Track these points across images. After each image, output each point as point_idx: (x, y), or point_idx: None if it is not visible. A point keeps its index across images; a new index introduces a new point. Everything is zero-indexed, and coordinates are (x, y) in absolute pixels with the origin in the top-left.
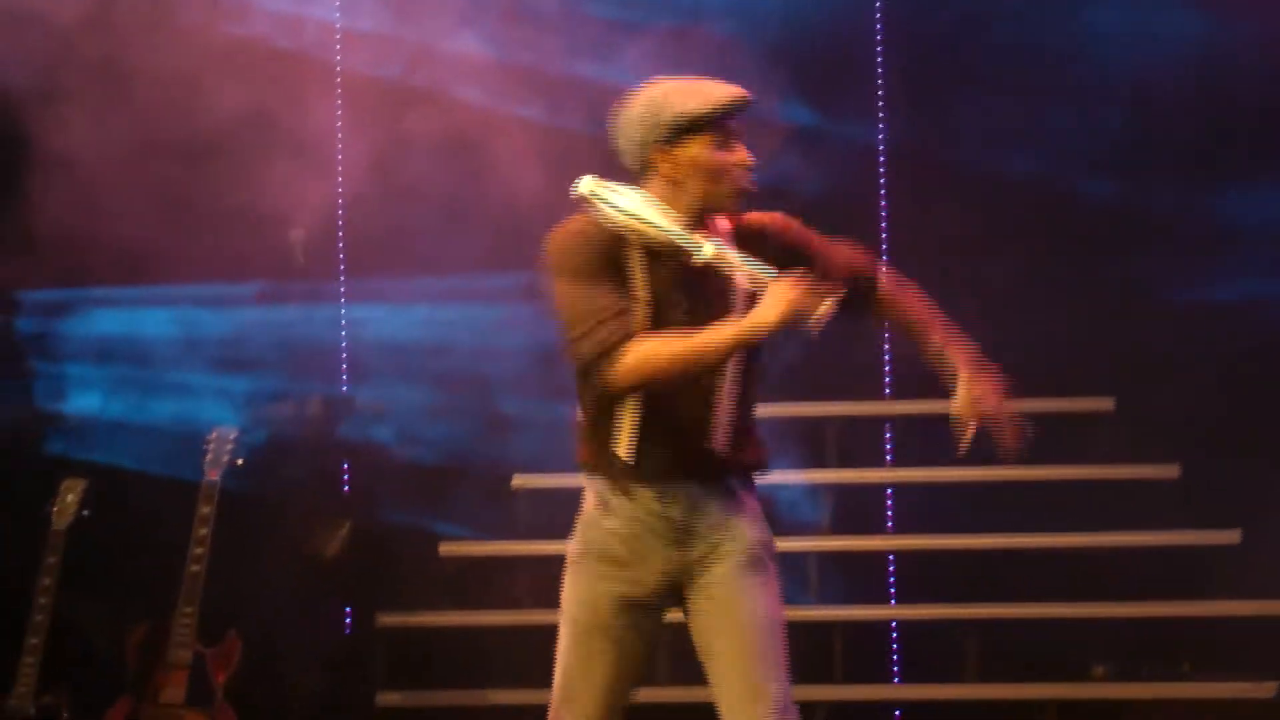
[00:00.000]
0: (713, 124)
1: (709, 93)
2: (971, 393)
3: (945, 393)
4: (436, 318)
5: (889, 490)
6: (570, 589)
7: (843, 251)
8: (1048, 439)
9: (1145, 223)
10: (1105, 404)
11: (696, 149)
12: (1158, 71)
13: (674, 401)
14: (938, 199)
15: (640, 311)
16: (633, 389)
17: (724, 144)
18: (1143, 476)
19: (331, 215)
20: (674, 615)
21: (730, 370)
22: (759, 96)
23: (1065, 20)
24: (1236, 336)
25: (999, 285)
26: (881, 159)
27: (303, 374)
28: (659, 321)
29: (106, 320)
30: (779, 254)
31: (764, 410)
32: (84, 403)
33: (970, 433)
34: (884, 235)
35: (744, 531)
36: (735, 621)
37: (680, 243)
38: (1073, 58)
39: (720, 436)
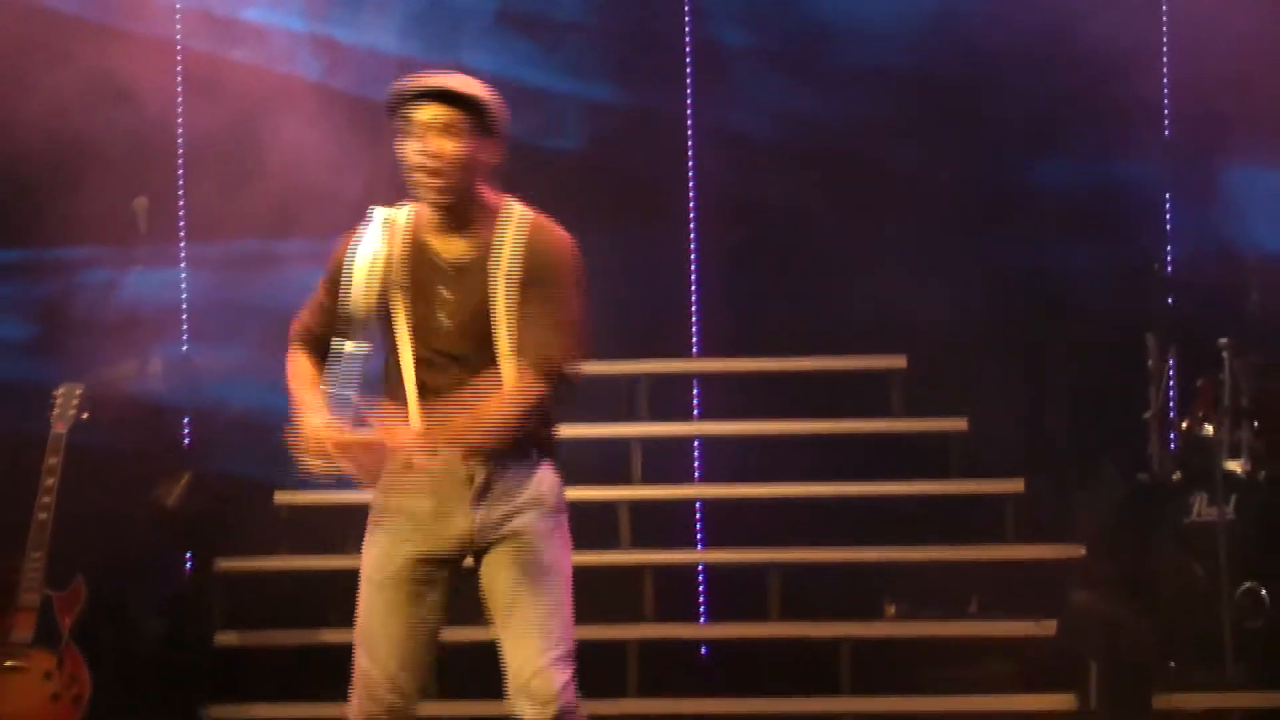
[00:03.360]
0: (397, 117)
1: (396, 86)
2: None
3: (749, 352)
4: (272, 281)
5: (696, 442)
6: (368, 547)
7: (534, 347)
8: (846, 394)
9: (936, 191)
10: (899, 361)
11: (401, 143)
12: (951, 49)
13: (444, 381)
14: (743, 171)
15: None
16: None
17: (408, 136)
18: (933, 429)
19: (172, 182)
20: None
21: (503, 352)
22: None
23: (851, 6)
24: (1020, 298)
25: (800, 253)
26: (689, 133)
27: (145, 335)
28: None
29: None
30: (527, 272)
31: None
32: None
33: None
34: (692, 207)
35: (543, 495)
36: (533, 576)
37: None
38: (872, 36)
39: None
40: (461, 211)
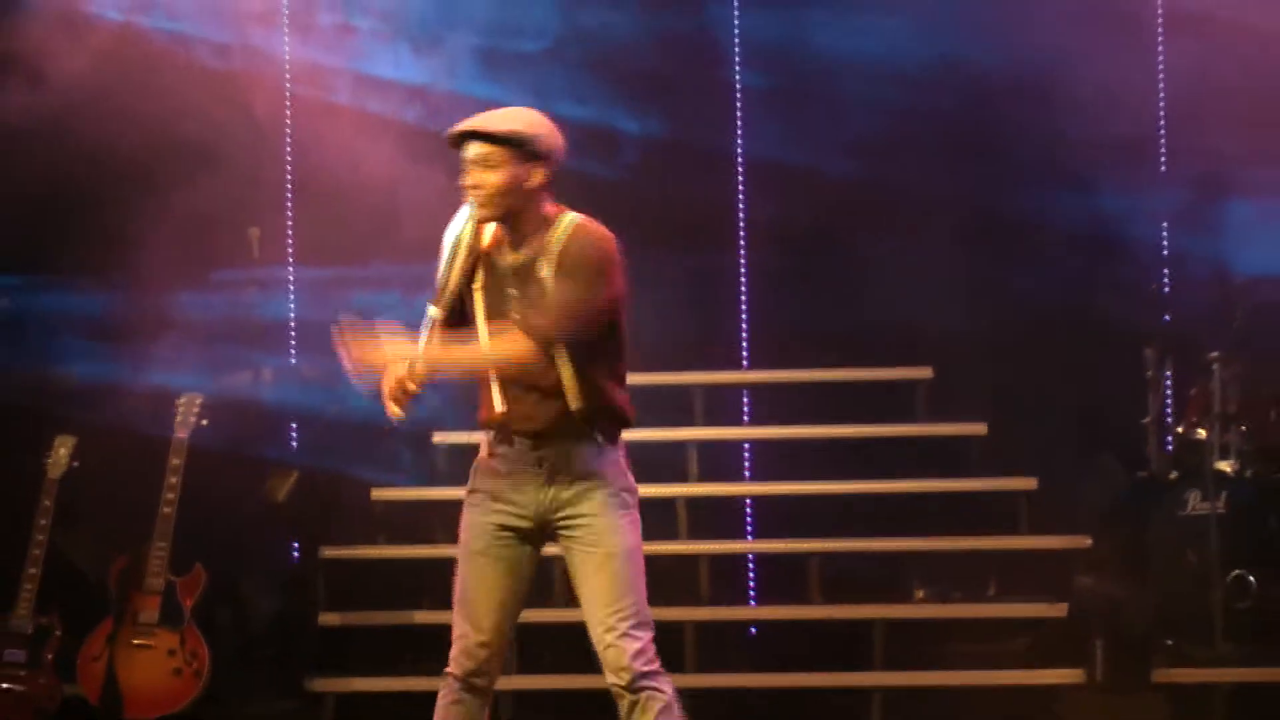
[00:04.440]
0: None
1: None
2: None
3: (793, 364)
4: (368, 300)
5: (745, 445)
6: (464, 519)
7: (532, 316)
8: (879, 401)
9: (959, 218)
10: (925, 372)
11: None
12: (966, 88)
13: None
14: (786, 200)
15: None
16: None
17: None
18: (956, 433)
19: (282, 214)
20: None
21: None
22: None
23: (889, 49)
24: (1033, 315)
25: (838, 275)
26: (739, 166)
27: (257, 348)
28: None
29: (96, 301)
30: (560, 267)
31: (642, 379)
32: (76, 370)
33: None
34: (741, 233)
35: (609, 476)
36: (604, 552)
37: None
38: (896, 77)
39: (574, 399)
40: (519, 225)
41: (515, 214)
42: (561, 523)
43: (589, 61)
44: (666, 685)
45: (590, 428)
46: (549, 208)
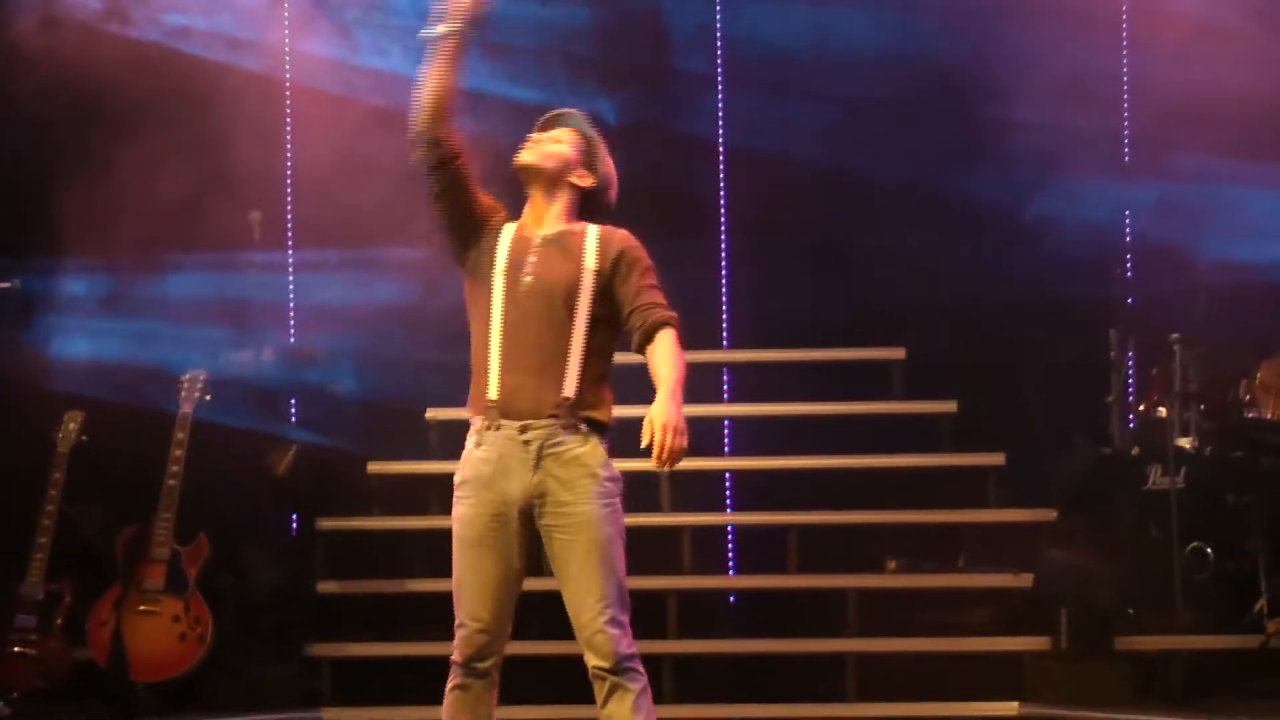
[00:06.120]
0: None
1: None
2: (653, 411)
3: (771, 344)
4: (363, 282)
5: (726, 421)
6: (456, 511)
7: (648, 300)
8: (854, 380)
9: (933, 205)
10: (898, 353)
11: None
12: (938, 80)
13: (527, 352)
14: (766, 188)
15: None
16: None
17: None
18: (928, 411)
19: (282, 200)
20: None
21: (576, 328)
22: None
23: (863, 41)
24: (1002, 298)
25: (815, 259)
26: (721, 156)
27: (259, 328)
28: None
29: (103, 282)
30: (615, 263)
31: (628, 358)
32: (85, 349)
33: (646, 438)
34: (723, 219)
35: (593, 465)
36: (587, 540)
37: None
38: (870, 70)
39: (570, 386)
40: (544, 201)
41: (546, 187)
42: (546, 509)
43: (569, 51)
44: (641, 666)
45: (576, 418)
46: (574, 216)
